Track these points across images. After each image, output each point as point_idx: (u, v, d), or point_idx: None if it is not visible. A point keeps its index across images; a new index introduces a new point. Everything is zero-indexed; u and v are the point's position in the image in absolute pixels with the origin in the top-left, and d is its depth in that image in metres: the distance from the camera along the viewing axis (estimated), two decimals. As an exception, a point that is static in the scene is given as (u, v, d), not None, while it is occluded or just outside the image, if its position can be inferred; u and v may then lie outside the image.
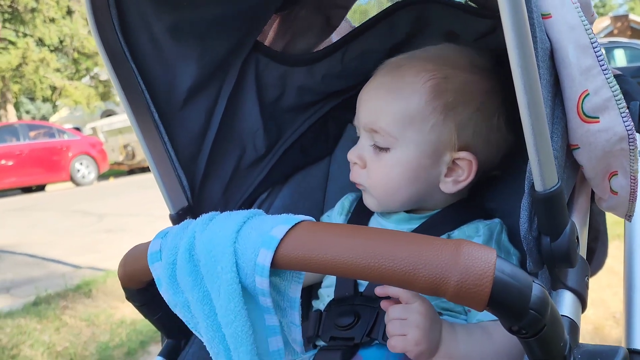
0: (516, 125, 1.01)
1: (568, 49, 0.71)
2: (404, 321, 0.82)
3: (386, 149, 0.97)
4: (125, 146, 15.28)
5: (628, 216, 0.84)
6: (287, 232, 0.61)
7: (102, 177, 14.85)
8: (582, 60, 0.71)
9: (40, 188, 14.00)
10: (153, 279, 0.90)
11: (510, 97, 0.99)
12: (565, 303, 0.71)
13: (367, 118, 0.99)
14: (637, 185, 0.77)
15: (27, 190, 13.77)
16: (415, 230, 0.98)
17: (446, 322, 0.85)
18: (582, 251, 0.77)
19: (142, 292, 0.90)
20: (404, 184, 0.97)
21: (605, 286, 2.78)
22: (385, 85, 0.98)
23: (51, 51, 20.82)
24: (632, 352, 0.80)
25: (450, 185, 0.97)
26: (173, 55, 1.01)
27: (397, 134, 0.95)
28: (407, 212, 1.03)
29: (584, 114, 0.73)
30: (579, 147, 0.76)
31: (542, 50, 0.70)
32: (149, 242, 0.81)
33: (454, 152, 0.95)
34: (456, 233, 0.95)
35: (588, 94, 0.72)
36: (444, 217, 0.99)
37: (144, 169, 15.27)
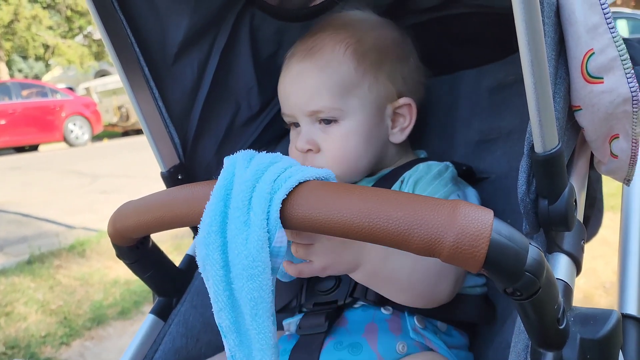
0: (428, 61, 1.09)
1: (575, 5, 0.68)
2: (309, 247, 0.78)
3: (335, 121, 0.98)
4: (119, 107, 15.12)
5: (627, 180, 0.82)
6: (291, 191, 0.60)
7: (96, 138, 14.74)
8: (589, 17, 0.68)
9: (34, 148, 13.91)
10: (143, 236, 0.89)
11: (413, 40, 1.07)
12: (560, 266, 0.70)
13: (305, 103, 0.98)
14: (638, 148, 0.75)
15: (20, 149, 13.68)
16: (374, 185, 0.99)
17: None
18: (580, 215, 0.76)
19: (133, 249, 0.89)
20: (362, 150, 0.98)
21: (598, 256, 2.80)
22: (309, 70, 0.99)
23: (44, 8, 20.39)
24: (624, 316, 0.80)
25: (399, 134, 1.02)
26: (164, 7, 0.97)
27: (341, 105, 0.97)
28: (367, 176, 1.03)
29: (588, 74, 0.70)
30: (581, 109, 0.74)
31: (548, 6, 0.67)
32: (139, 199, 0.79)
33: (394, 102, 1.01)
34: (408, 173, 0.96)
35: (593, 53, 0.69)
36: (402, 168, 1.00)
37: (139, 131, 15.13)
